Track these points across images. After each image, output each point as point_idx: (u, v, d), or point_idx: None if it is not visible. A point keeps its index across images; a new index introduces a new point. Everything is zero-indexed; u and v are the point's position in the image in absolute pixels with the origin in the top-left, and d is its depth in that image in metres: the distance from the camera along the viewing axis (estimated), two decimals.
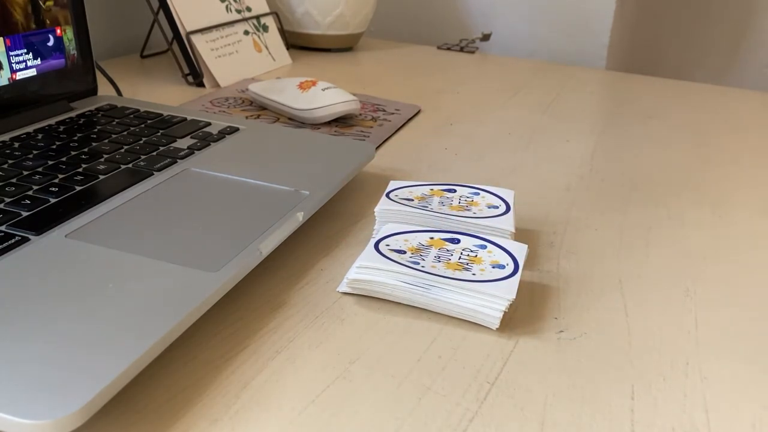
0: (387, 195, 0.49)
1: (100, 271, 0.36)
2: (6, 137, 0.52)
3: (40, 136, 0.53)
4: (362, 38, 1.12)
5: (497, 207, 0.48)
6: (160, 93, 0.80)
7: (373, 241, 0.43)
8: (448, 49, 1.14)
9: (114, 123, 0.58)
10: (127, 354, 0.30)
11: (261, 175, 0.49)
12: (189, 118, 0.61)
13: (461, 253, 0.42)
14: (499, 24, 1.24)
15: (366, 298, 0.41)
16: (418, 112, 0.79)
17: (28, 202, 0.43)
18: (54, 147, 0.52)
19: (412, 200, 0.49)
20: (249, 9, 0.94)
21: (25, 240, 0.38)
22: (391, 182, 0.51)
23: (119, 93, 0.71)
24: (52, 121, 0.57)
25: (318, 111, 0.70)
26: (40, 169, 0.48)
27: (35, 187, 0.45)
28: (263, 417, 0.31)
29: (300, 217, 0.44)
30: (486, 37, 1.18)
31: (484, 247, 0.43)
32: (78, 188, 0.45)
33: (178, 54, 0.84)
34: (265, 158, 0.53)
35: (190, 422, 0.31)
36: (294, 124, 0.71)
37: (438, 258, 0.42)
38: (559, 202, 0.57)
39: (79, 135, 0.54)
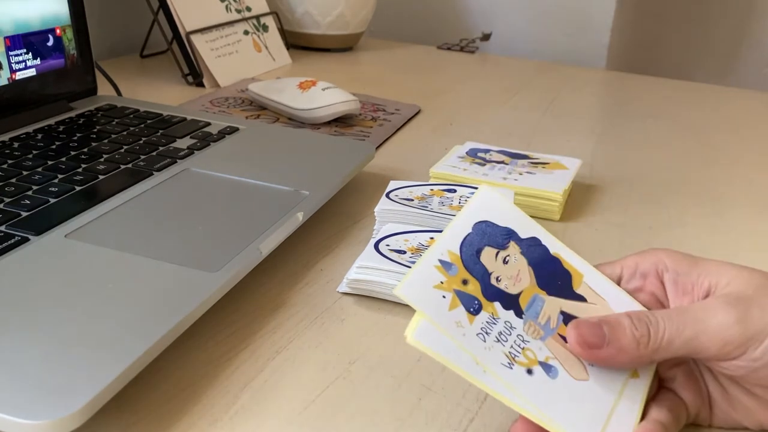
0: (387, 195, 0.49)
1: (100, 271, 0.36)
2: (6, 137, 0.52)
3: (39, 136, 0.53)
4: (362, 38, 1.12)
5: None
6: (159, 93, 0.80)
7: (373, 241, 0.43)
8: (448, 49, 1.14)
9: (114, 123, 0.58)
10: (127, 354, 0.30)
11: (261, 175, 0.49)
12: (189, 118, 0.61)
13: None
14: (499, 24, 1.24)
15: (366, 298, 0.41)
16: (418, 112, 0.79)
17: (28, 202, 0.43)
18: (54, 147, 0.51)
19: (412, 200, 0.49)
20: (249, 9, 0.94)
21: (25, 240, 0.38)
22: (391, 182, 0.51)
23: (119, 93, 0.71)
24: (52, 121, 0.57)
25: (318, 111, 0.70)
26: (39, 169, 0.47)
27: (35, 187, 0.45)
28: (263, 417, 0.31)
29: (300, 217, 0.44)
30: (486, 37, 1.19)
31: None
32: (78, 188, 0.45)
33: (178, 54, 0.84)
34: (265, 158, 0.53)
35: (190, 422, 0.31)
36: (294, 124, 0.71)
37: None
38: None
39: (78, 135, 0.54)
